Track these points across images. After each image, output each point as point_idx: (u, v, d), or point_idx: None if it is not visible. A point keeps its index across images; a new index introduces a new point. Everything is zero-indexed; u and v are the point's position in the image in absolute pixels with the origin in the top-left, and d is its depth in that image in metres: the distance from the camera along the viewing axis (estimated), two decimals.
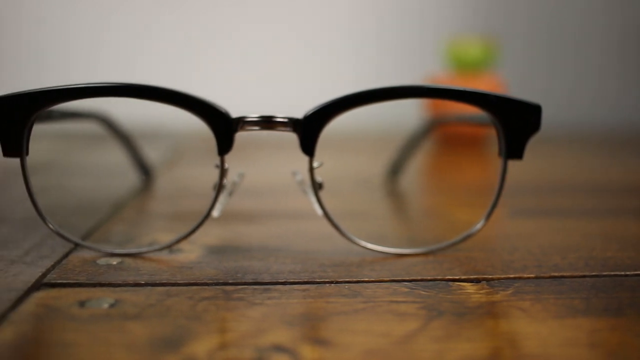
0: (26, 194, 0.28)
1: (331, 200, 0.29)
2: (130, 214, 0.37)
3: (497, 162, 0.29)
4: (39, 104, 0.27)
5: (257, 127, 0.28)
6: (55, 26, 0.85)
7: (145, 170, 0.45)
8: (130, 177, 0.46)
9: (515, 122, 0.28)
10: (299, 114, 0.28)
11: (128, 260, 0.28)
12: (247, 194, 0.38)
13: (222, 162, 0.28)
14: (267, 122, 0.28)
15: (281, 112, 0.28)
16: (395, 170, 0.46)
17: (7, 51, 0.86)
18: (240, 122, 0.27)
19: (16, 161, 0.27)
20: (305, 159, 0.28)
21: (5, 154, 0.27)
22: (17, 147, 0.27)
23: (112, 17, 0.85)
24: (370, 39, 0.87)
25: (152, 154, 0.49)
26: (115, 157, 0.51)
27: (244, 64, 0.86)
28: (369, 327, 0.22)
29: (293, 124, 0.27)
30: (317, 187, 0.28)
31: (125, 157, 0.46)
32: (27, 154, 0.28)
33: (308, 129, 0.27)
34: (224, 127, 0.27)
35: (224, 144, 0.27)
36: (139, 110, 0.46)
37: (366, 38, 0.87)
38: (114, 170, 0.50)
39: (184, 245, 0.30)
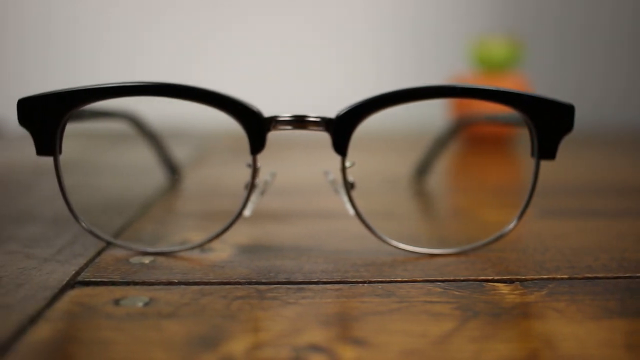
0: (55, 193, 0.28)
1: (360, 200, 0.29)
2: (159, 213, 0.37)
3: (523, 162, 0.29)
4: (72, 103, 0.27)
5: (289, 127, 0.28)
6: (59, 26, 0.86)
7: (172, 170, 0.46)
8: (156, 176, 0.46)
9: (548, 122, 0.28)
10: (329, 113, 0.28)
11: (160, 259, 0.28)
12: (277, 193, 0.38)
13: (255, 161, 0.28)
14: (299, 122, 0.28)
15: (314, 112, 0.28)
16: (422, 170, 0.46)
17: (9, 51, 0.86)
18: (273, 122, 0.27)
19: (43, 160, 0.28)
20: (335, 158, 0.28)
21: (39, 153, 0.28)
22: (51, 146, 0.27)
23: (114, 14, 0.86)
24: (395, 39, 0.87)
25: (178, 153, 0.49)
26: (140, 155, 0.51)
27: (262, 63, 0.86)
28: (405, 327, 0.21)
29: (325, 124, 0.27)
30: (349, 186, 0.28)
31: (152, 156, 0.46)
32: (60, 153, 0.28)
33: (340, 129, 0.27)
34: (256, 126, 0.27)
35: (257, 144, 0.27)
36: (159, 110, 0.46)
37: (391, 37, 0.87)
38: (140, 169, 0.50)
39: (215, 244, 0.30)
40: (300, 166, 0.53)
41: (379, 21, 0.87)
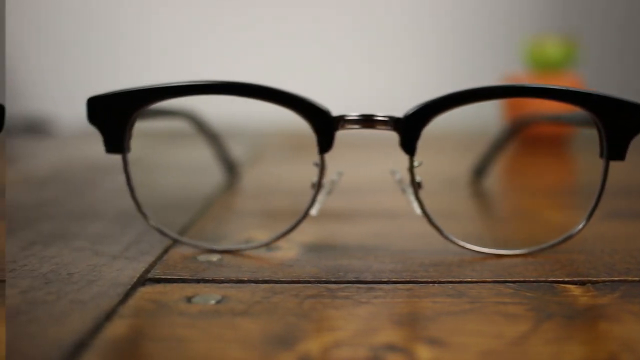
0: (115, 190, 0.29)
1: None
2: (220, 211, 0.37)
3: (580, 162, 0.28)
4: (141, 101, 0.27)
5: (357, 126, 0.28)
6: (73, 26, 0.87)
7: (231, 168, 0.46)
8: (215, 174, 0.46)
9: (618, 122, 0.27)
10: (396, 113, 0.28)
11: (227, 257, 0.28)
12: (340, 192, 0.38)
13: (322, 160, 0.28)
14: (367, 121, 0.27)
15: (381, 111, 0.28)
16: (480, 170, 0.46)
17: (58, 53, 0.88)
18: (341, 121, 0.27)
19: (100, 158, 0.28)
20: (401, 158, 0.28)
21: (108, 151, 0.28)
22: (120, 144, 0.28)
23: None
24: (448, 38, 0.86)
25: (235, 151, 0.49)
26: (196, 153, 0.51)
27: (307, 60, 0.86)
28: (480, 328, 0.21)
29: (394, 123, 0.27)
30: (417, 186, 0.28)
31: (208, 154, 0.47)
32: (129, 150, 0.28)
33: (409, 128, 0.27)
34: (325, 125, 0.27)
35: (325, 143, 0.27)
36: (216, 108, 0.46)
37: (445, 37, 0.86)
38: (198, 167, 0.51)
39: (280, 242, 0.30)
40: (362, 166, 0.52)
41: (431, 22, 0.86)
